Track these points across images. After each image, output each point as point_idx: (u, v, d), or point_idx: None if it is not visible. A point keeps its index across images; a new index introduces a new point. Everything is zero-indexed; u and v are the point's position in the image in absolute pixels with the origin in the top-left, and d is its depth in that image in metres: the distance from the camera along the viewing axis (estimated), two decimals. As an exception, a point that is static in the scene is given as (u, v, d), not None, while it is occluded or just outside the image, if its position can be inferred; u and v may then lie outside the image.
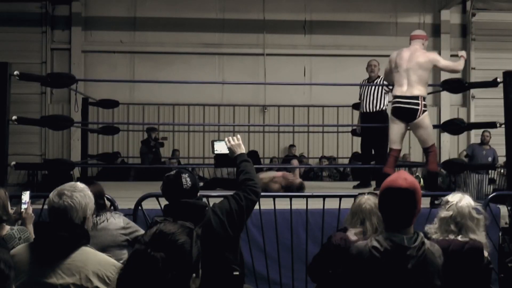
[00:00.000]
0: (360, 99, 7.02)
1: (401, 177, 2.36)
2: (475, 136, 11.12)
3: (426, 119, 5.35)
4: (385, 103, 6.80)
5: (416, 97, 5.27)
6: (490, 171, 8.89)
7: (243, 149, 3.08)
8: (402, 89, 5.34)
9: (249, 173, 2.95)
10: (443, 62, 5.53)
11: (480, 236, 3.08)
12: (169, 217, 2.55)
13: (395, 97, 5.41)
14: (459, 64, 5.52)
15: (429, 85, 6.41)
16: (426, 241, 2.36)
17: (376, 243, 2.32)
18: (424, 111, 5.31)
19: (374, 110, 6.75)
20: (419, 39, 5.51)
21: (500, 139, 9.44)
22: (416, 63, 5.31)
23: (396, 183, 2.33)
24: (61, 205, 2.33)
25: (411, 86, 5.30)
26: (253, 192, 2.89)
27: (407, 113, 5.32)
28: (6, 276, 1.73)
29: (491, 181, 9.04)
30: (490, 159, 9.58)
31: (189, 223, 1.73)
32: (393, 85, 5.59)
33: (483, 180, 8.84)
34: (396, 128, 5.47)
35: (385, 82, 6.71)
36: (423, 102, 5.29)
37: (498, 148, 9.68)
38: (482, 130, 9.58)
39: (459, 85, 6.15)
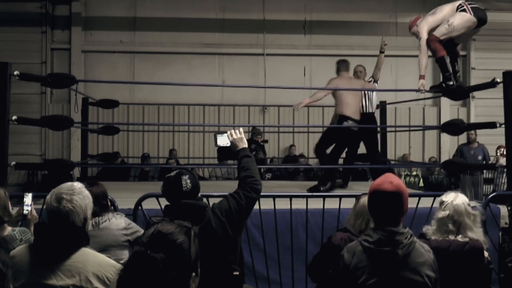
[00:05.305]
0: None
1: (387, 181, 2.41)
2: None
3: None
4: (374, 107, 6.89)
5: None
6: (484, 171, 8.82)
7: (245, 143, 3.06)
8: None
9: (250, 169, 2.93)
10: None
11: (478, 233, 3.10)
12: (168, 218, 2.54)
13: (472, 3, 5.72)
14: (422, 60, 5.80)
15: (429, 91, 6.45)
16: (414, 237, 2.42)
17: (367, 237, 2.39)
18: None
19: (366, 111, 6.77)
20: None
21: (488, 138, 9.50)
22: None
23: (382, 187, 2.39)
24: (61, 210, 2.30)
25: None
26: (253, 189, 2.87)
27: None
28: (3, 275, 1.73)
29: (488, 181, 8.96)
30: (480, 157, 9.45)
31: (186, 222, 1.73)
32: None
33: (478, 181, 8.75)
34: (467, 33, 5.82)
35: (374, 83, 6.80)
36: None
37: (488, 146, 9.69)
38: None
39: (460, 92, 6.15)
